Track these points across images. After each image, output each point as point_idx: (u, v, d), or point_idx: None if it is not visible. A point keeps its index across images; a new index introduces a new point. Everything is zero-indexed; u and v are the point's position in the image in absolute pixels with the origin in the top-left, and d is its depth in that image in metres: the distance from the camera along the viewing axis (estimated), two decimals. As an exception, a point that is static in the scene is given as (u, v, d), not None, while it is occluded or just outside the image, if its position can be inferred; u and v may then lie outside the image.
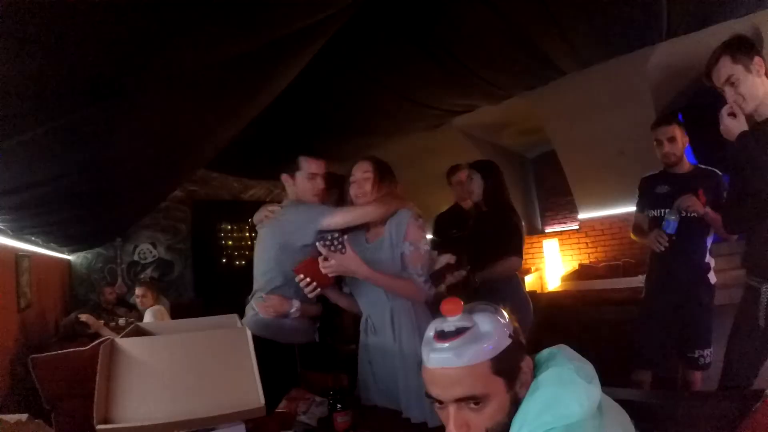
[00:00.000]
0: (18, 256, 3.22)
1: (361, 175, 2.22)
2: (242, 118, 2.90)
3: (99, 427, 1.31)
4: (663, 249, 2.74)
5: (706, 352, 2.81)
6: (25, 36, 1.08)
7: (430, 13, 2.40)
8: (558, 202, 5.82)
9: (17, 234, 2.90)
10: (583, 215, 5.55)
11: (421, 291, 2.09)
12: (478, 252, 3.14)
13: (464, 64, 2.81)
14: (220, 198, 6.64)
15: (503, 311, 1.12)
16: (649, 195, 3.03)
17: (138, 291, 4.45)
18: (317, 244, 2.05)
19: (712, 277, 2.89)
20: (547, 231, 6.55)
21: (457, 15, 2.38)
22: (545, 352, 1.15)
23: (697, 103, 4.18)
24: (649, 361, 2.92)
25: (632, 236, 3.18)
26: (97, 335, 3.59)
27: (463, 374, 1.03)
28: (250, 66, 2.02)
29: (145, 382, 1.43)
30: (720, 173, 2.83)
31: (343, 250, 2.01)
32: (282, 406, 2.16)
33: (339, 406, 1.97)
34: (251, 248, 5.63)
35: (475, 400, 1.03)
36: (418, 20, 2.48)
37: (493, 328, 1.06)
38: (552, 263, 5.88)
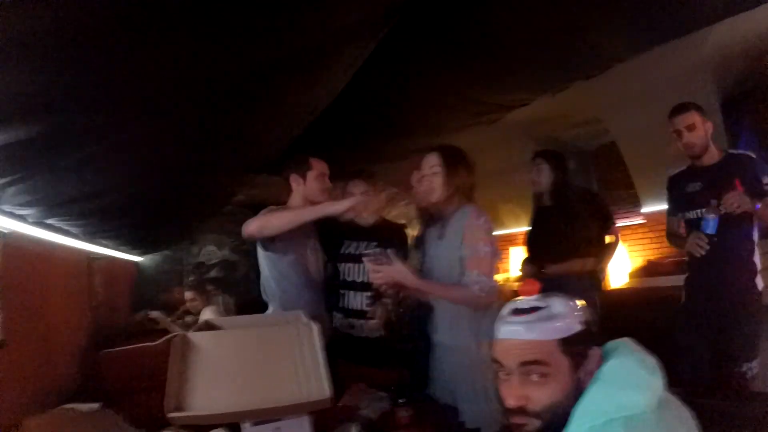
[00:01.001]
0: (90, 258, 3.38)
1: (429, 170, 2.16)
2: (299, 123, 2.96)
3: (170, 415, 1.36)
4: (704, 253, 2.52)
5: (753, 364, 2.53)
6: (100, 48, 1.13)
7: (480, 6, 2.37)
8: (620, 195, 5.59)
9: (90, 238, 3.05)
10: (647, 209, 5.33)
11: (477, 299, 1.98)
12: (543, 250, 3.03)
13: (517, 57, 2.76)
14: (280, 200, 6.74)
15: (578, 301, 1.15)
16: (680, 195, 2.81)
17: (187, 295, 4.48)
18: (363, 259, 2.11)
19: (760, 282, 2.60)
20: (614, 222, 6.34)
21: (507, 6, 2.33)
22: (610, 344, 1.14)
23: (764, 85, 3.99)
24: (679, 381, 2.61)
25: (669, 243, 2.97)
26: (164, 332, 3.73)
27: (530, 345, 1.07)
28: (305, 68, 2.04)
29: (215, 374, 1.49)
30: (754, 155, 2.64)
31: (389, 262, 2.00)
32: (344, 400, 2.19)
33: (401, 400, 1.98)
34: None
35: (540, 371, 1.05)
36: (468, 14, 2.44)
37: (566, 310, 1.10)
38: (615, 259, 5.66)
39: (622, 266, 5.55)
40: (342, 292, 2.85)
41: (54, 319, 2.57)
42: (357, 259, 2.77)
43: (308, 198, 2.60)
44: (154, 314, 4.05)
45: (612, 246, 3.31)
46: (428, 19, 2.48)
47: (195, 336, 1.56)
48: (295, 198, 2.66)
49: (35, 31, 0.95)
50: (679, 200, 2.82)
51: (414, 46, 2.70)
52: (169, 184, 2.60)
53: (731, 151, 2.73)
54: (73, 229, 2.57)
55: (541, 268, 2.91)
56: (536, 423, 1.04)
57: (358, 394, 2.19)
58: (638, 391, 0.98)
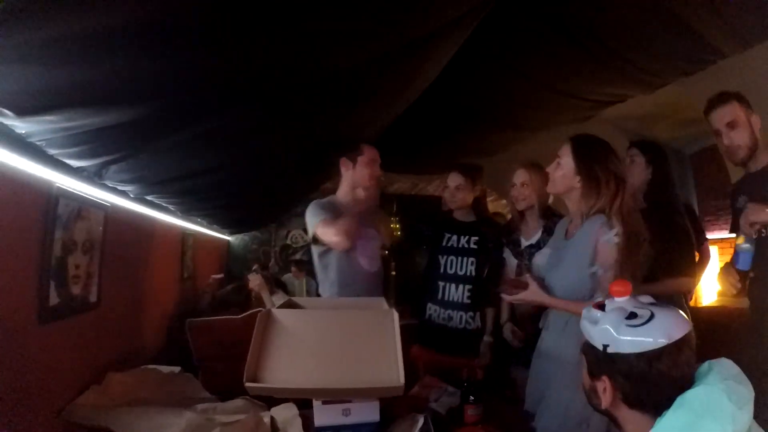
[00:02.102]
0: (184, 234, 3.59)
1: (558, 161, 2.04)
2: (388, 115, 2.97)
3: (248, 384, 1.42)
4: (738, 292, 2.02)
5: None
6: (205, 37, 1.20)
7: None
8: (719, 205, 5.15)
9: (185, 215, 3.23)
10: (750, 221, 4.92)
11: None
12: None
13: (614, 50, 2.61)
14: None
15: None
16: (735, 213, 2.22)
17: (252, 281, 4.47)
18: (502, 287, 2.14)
19: None
20: (709, 237, 5.94)
21: (608, -1, 2.21)
22: (705, 365, 1.08)
23: None
24: None
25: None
26: (246, 307, 3.88)
27: None
28: (394, 63, 2.04)
29: (293, 350, 1.54)
30: None
31: (526, 286, 1.99)
32: (414, 391, 2.20)
33: (471, 398, 1.97)
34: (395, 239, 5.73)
35: None
36: (563, 6, 2.35)
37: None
38: (709, 275, 5.26)
39: (713, 283, 5.15)
40: (441, 283, 2.88)
41: (146, 287, 2.76)
42: (459, 252, 2.84)
43: (356, 184, 2.59)
44: (251, 277, 4.14)
45: (703, 264, 2.99)
46: (524, 11, 2.42)
47: (278, 312, 1.62)
48: (343, 185, 2.66)
49: (143, 20, 1.02)
50: (735, 219, 2.23)
51: (509, 39, 2.64)
52: (262, 169, 2.70)
53: None
54: (170, 206, 2.73)
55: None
56: None
57: (429, 386, 2.20)
58: (719, 427, 0.92)
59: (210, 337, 3.10)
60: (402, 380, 1.47)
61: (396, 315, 1.62)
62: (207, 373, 2.96)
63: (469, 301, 2.81)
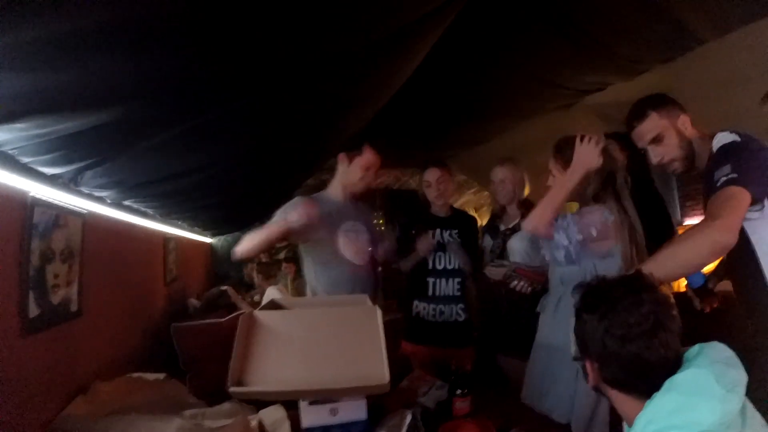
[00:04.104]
0: (166, 238, 3.55)
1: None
2: (371, 107, 2.95)
3: (232, 389, 1.41)
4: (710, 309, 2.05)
5: None
6: (172, 39, 1.17)
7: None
8: (700, 189, 5.16)
9: (165, 219, 3.19)
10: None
11: None
12: None
13: (595, 38, 2.63)
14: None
15: None
16: None
17: (253, 273, 4.52)
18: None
19: None
20: (686, 223, 5.99)
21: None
22: (695, 347, 1.09)
23: None
24: None
25: None
26: (233, 308, 3.86)
27: None
28: (375, 56, 2.03)
29: (277, 352, 1.53)
30: (717, 145, 1.74)
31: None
32: (403, 386, 2.20)
33: (459, 391, 1.97)
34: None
35: None
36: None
37: None
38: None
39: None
40: (431, 280, 2.93)
41: (130, 293, 2.73)
42: (443, 247, 2.90)
43: (346, 182, 2.59)
44: (227, 288, 4.18)
45: None
46: (506, 4, 2.43)
47: (261, 314, 1.61)
48: (334, 182, 2.66)
49: (115, 18, 0.99)
50: None
51: (492, 30, 2.65)
52: (243, 169, 2.68)
53: (714, 142, 1.78)
54: (149, 210, 2.69)
55: None
56: None
57: (417, 381, 2.20)
58: (709, 410, 0.92)
59: (196, 341, 3.06)
60: (387, 378, 1.47)
61: (379, 312, 1.61)
62: (195, 377, 2.92)
63: (459, 294, 2.90)
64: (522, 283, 2.36)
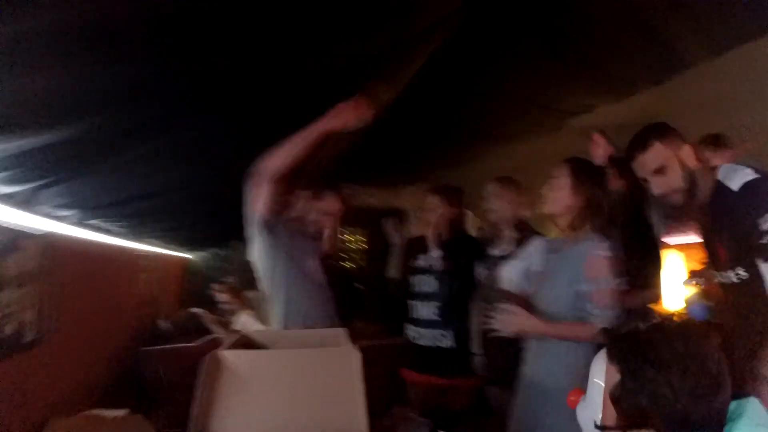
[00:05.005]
0: (137, 257, 3.39)
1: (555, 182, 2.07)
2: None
3: (193, 440, 1.28)
4: None
5: None
6: (137, 45, 1.05)
7: (550, 7, 2.22)
8: (683, 209, 5.14)
9: (135, 238, 3.04)
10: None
11: (592, 332, 1.78)
12: None
13: (585, 59, 2.60)
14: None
15: None
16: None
17: (222, 298, 4.30)
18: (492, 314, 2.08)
19: None
20: (671, 243, 5.93)
21: (576, 7, 2.19)
22: (732, 404, 0.99)
23: None
24: None
25: None
26: (206, 332, 3.72)
27: None
28: (361, 74, 1.95)
29: (245, 398, 1.39)
30: (735, 187, 1.68)
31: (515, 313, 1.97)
32: (384, 423, 2.08)
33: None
34: (362, 253, 5.67)
35: None
36: (537, 16, 2.31)
37: None
38: (672, 281, 5.23)
39: (678, 289, 5.14)
40: (412, 303, 2.88)
41: (95, 317, 2.57)
42: (425, 270, 2.84)
43: (300, 215, 2.46)
44: (197, 311, 4.03)
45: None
46: (498, 22, 2.36)
47: (227, 355, 1.46)
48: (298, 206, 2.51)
49: (64, 30, 0.87)
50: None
51: (482, 50, 2.59)
52: (219, 186, 2.55)
53: (719, 176, 1.77)
54: (116, 230, 2.54)
55: None
56: None
57: (398, 419, 2.08)
58: None
59: (165, 367, 2.94)
60: (364, 425, 1.35)
61: (358, 355, 1.48)
62: (166, 405, 2.79)
63: (438, 319, 2.77)
64: (507, 306, 2.23)
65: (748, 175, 1.67)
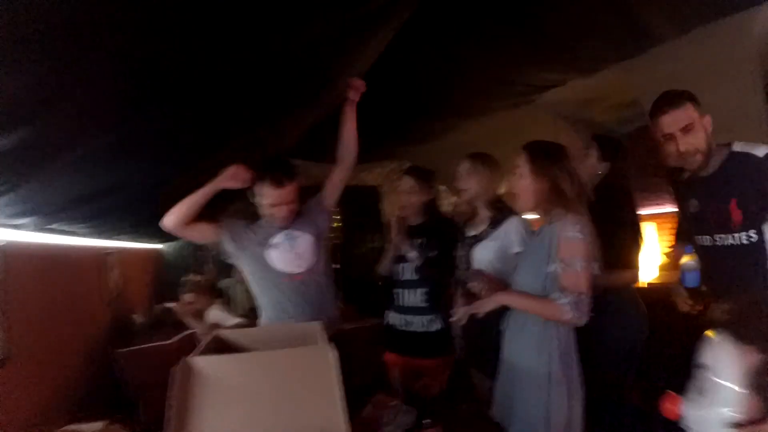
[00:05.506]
0: (105, 254, 3.29)
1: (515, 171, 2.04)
2: (323, 105, 2.82)
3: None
4: (696, 311, 2.06)
5: None
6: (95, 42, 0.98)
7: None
8: (655, 180, 5.23)
9: (101, 236, 2.94)
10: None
11: (565, 315, 1.77)
12: None
13: (554, 36, 2.58)
14: (302, 185, 6.59)
15: None
16: (685, 215, 2.18)
17: (186, 298, 4.12)
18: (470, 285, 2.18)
19: None
20: (642, 213, 6.03)
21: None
22: None
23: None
24: None
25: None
26: (181, 325, 3.65)
27: None
28: (325, 49, 1.88)
29: (222, 405, 1.35)
30: (762, 153, 1.85)
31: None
32: (366, 412, 2.07)
33: (425, 421, 1.85)
34: (338, 231, 5.55)
35: None
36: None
37: None
38: (648, 251, 5.33)
39: (653, 258, 5.24)
40: (398, 291, 2.86)
41: (65, 324, 2.48)
42: (408, 258, 2.79)
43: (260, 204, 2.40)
44: (172, 305, 3.95)
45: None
46: (464, 2, 2.33)
47: (198, 362, 1.41)
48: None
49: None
50: (685, 220, 2.21)
51: (448, 26, 2.55)
52: (184, 176, 2.45)
53: (735, 147, 1.94)
54: (81, 231, 2.45)
55: None
56: None
57: (380, 408, 2.06)
58: None
59: (144, 366, 2.88)
60: (344, 426, 1.33)
61: (334, 354, 1.45)
62: (147, 404, 2.75)
63: (426, 304, 2.76)
64: (480, 285, 2.22)
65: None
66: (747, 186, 1.85)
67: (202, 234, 2.41)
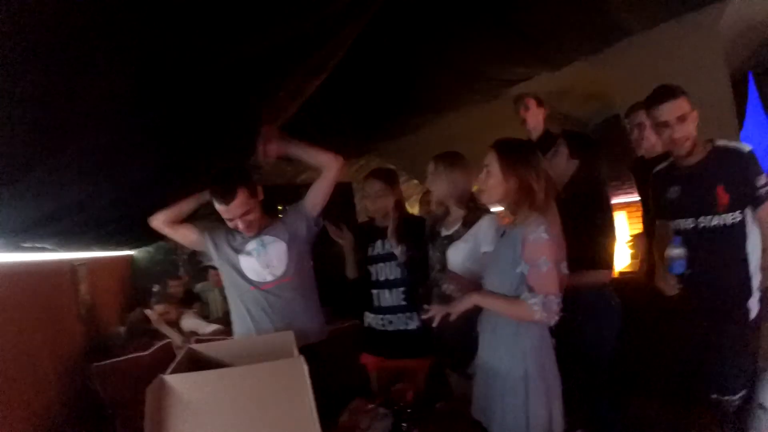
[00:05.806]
0: (74, 266, 3.21)
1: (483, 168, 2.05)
2: (295, 101, 2.79)
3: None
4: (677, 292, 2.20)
5: (737, 396, 2.16)
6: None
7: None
8: (625, 170, 5.29)
9: (69, 249, 2.87)
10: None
11: (534, 315, 1.79)
12: None
13: (524, 30, 2.63)
14: (273, 183, 6.55)
15: None
16: (663, 201, 2.34)
17: (157, 309, 4.06)
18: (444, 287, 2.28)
19: (754, 306, 2.14)
20: (612, 202, 6.08)
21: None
22: None
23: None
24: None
25: (656, 256, 2.42)
26: (156, 334, 3.60)
27: None
28: (295, 46, 1.85)
29: (197, 421, 1.35)
30: (746, 149, 2.15)
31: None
32: (343, 419, 2.06)
33: (404, 424, 1.85)
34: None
35: None
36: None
37: None
38: (619, 240, 5.40)
39: (623, 247, 5.29)
40: (375, 292, 2.85)
41: (37, 345, 2.41)
42: (385, 258, 2.80)
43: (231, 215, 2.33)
44: (147, 312, 3.90)
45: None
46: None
47: (172, 380, 1.40)
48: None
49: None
50: (663, 206, 2.36)
51: (420, 22, 2.59)
52: (151, 186, 2.39)
53: (719, 143, 2.21)
54: (51, 247, 2.38)
55: None
56: None
57: (357, 413, 2.06)
58: None
59: (119, 380, 2.83)
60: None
61: (304, 366, 1.44)
62: (125, 419, 2.70)
63: (405, 303, 2.77)
64: (451, 287, 2.23)
65: (748, 145, 2.17)
66: (735, 175, 2.12)
67: (185, 236, 2.44)
